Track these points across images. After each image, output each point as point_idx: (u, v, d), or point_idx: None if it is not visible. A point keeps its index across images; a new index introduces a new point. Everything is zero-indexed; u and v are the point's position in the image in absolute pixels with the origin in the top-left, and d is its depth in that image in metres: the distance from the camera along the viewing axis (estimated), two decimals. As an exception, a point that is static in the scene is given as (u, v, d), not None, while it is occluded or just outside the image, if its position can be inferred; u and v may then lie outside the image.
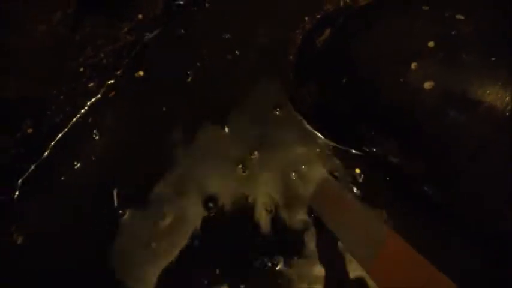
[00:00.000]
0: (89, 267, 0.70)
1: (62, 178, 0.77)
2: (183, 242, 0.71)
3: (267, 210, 0.73)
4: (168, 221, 0.73)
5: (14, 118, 0.68)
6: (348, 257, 0.69)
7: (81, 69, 0.76)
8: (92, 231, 0.73)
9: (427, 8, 0.69)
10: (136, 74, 0.84)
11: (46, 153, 0.78)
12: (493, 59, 0.62)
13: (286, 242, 0.71)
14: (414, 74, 0.63)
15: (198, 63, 0.86)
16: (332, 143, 0.78)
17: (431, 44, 0.63)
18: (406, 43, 0.65)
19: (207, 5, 0.91)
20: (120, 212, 0.73)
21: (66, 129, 0.80)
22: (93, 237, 0.72)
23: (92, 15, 0.70)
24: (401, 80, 0.64)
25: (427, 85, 0.62)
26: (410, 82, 0.64)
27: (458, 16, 0.65)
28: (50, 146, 0.78)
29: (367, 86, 0.69)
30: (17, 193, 0.76)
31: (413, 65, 0.63)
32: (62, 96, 0.75)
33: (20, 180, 0.76)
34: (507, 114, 0.59)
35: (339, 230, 0.62)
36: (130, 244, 0.71)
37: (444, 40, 0.63)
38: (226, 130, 0.79)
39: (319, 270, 0.69)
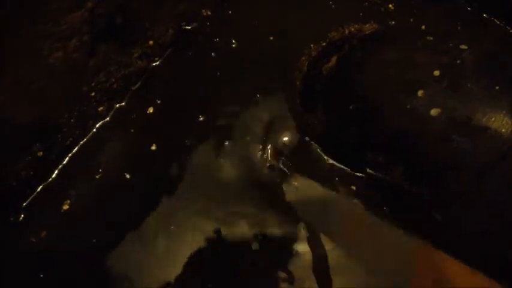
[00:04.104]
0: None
1: (68, 201, 0.77)
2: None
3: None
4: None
5: (26, 141, 0.69)
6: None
7: (93, 94, 0.77)
8: (97, 251, 0.73)
9: (431, 38, 0.72)
10: (144, 98, 0.86)
11: (53, 175, 0.78)
12: (497, 87, 0.63)
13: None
14: (421, 101, 0.65)
15: (205, 89, 0.87)
16: (339, 165, 0.78)
17: (436, 72, 0.65)
18: (412, 71, 0.67)
19: (213, 34, 0.93)
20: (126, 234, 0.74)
21: (74, 151, 0.81)
22: (97, 256, 0.72)
23: (105, 42, 0.72)
24: (408, 106, 0.66)
25: (434, 112, 0.64)
26: (417, 109, 0.65)
27: (462, 46, 0.67)
28: (58, 169, 0.79)
29: (374, 113, 0.70)
30: (22, 216, 0.75)
31: (420, 93, 0.65)
32: (72, 120, 0.76)
33: (25, 203, 0.76)
34: (512, 141, 0.60)
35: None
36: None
37: (449, 69, 0.65)
38: (230, 153, 0.80)
39: None
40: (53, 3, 0.57)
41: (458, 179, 0.65)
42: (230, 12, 0.96)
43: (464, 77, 0.64)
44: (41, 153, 0.72)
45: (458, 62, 0.65)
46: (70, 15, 0.60)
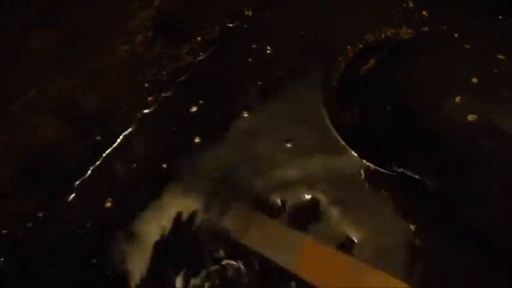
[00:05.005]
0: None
1: (115, 183, 0.80)
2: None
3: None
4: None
5: (89, 126, 0.74)
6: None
7: (146, 85, 0.82)
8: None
9: (468, 46, 0.76)
10: (189, 92, 0.90)
11: (102, 158, 0.82)
12: (533, 97, 0.68)
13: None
14: (458, 107, 0.69)
15: (246, 85, 0.90)
16: (367, 163, 0.82)
17: (474, 80, 0.69)
18: (451, 78, 0.71)
19: (256, 33, 0.96)
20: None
21: (121, 137, 0.85)
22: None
23: (163, 37, 0.77)
24: (445, 111, 0.70)
25: (470, 117, 0.68)
26: (454, 114, 0.69)
27: (499, 56, 0.71)
28: (107, 153, 0.83)
29: (411, 115, 0.75)
30: (73, 195, 0.79)
31: (458, 99, 0.69)
32: (126, 108, 0.81)
33: (77, 182, 0.80)
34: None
35: (263, 247, 0.71)
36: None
37: (487, 77, 0.69)
38: (271, 148, 0.83)
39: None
40: (125, 4, 0.62)
41: (487, 182, 0.69)
42: (268, 13, 0.98)
43: (501, 86, 0.68)
44: (99, 137, 0.77)
45: (495, 71, 0.69)
46: (140, 13, 0.65)
